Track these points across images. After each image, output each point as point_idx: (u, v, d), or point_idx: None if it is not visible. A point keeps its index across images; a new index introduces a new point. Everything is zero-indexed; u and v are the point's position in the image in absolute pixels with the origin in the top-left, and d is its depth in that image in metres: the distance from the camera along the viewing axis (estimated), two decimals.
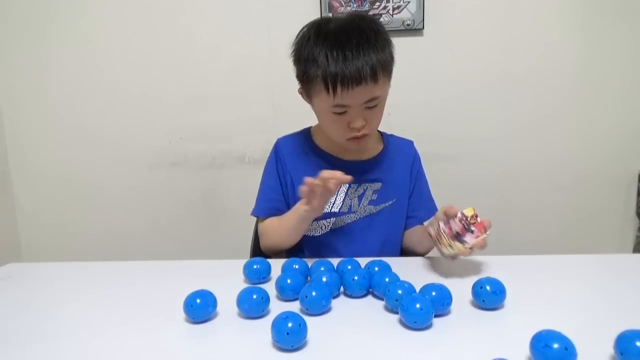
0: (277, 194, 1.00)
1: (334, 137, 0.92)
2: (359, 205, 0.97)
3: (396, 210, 1.01)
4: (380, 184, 0.98)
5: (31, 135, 1.72)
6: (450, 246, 0.76)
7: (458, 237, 0.76)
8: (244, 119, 1.67)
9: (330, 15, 1.56)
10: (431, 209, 1.05)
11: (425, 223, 0.90)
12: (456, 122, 1.64)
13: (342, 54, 0.80)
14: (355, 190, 0.97)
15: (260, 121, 1.66)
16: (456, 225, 0.76)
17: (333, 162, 0.97)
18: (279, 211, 0.98)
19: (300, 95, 0.94)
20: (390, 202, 0.99)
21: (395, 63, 0.88)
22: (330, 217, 0.97)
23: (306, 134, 1.03)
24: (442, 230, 0.77)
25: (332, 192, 0.82)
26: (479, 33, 1.58)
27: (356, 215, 0.97)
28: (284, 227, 0.93)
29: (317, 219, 0.96)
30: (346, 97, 0.82)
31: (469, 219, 0.76)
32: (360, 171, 0.97)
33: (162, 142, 1.70)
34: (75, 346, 0.59)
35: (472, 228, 0.75)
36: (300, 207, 0.86)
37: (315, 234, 0.97)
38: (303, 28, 0.89)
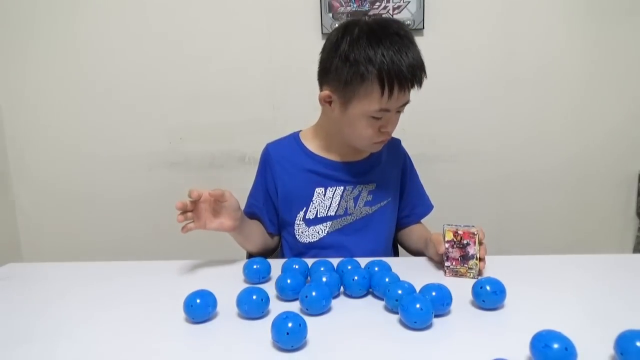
0: (257, 200, 1.01)
1: (361, 141, 0.91)
2: (354, 207, 0.97)
3: (390, 210, 1.01)
4: (375, 184, 0.98)
5: (31, 135, 1.72)
6: (470, 269, 0.77)
7: (465, 258, 0.77)
8: (244, 119, 1.67)
9: (331, 15, 1.56)
10: (427, 205, 1.08)
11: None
12: (456, 122, 1.64)
13: (399, 55, 0.80)
14: (351, 192, 0.97)
15: (260, 121, 1.65)
16: (454, 253, 0.78)
17: (326, 164, 0.97)
18: (254, 215, 1.00)
19: (319, 100, 0.91)
20: (384, 202, 0.99)
21: None
22: (327, 221, 0.96)
23: (296, 138, 1.02)
24: (452, 268, 0.78)
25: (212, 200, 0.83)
26: (479, 33, 1.58)
27: (352, 217, 0.97)
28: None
29: (312, 224, 0.96)
30: (396, 99, 0.83)
31: (455, 239, 0.77)
32: (354, 173, 0.97)
33: (162, 142, 1.70)
34: (75, 346, 0.59)
35: (464, 241, 0.77)
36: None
37: (312, 240, 0.97)
38: (341, 31, 0.85)
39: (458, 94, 1.62)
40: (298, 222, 0.97)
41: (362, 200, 0.97)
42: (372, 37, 0.82)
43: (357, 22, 0.85)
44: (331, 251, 0.95)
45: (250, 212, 1.00)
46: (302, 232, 0.97)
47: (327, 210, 0.96)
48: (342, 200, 0.96)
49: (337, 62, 0.84)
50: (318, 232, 0.97)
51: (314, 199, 0.96)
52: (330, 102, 0.90)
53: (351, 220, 0.97)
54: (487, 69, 1.60)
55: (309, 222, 0.97)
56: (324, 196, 0.96)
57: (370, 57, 0.81)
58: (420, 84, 0.85)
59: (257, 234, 0.97)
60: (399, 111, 0.88)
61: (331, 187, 0.96)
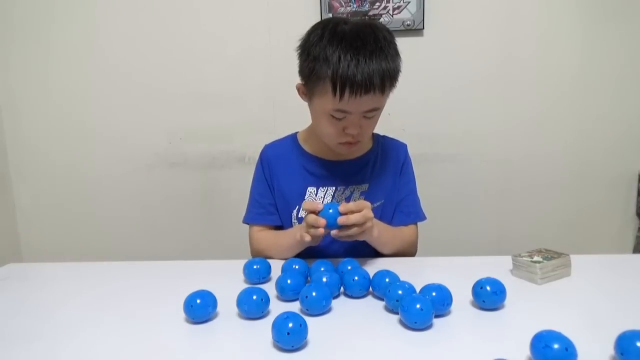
0: (267, 199, 1.00)
1: (326, 139, 0.92)
2: None
3: (384, 212, 1.00)
4: (367, 185, 0.98)
5: (31, 135, 1.72)
6: None
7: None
8: (244, 119, 1.67)
9: (331, 15, 1.56)
10: (413, 215, 1.02)
11: None
12: (456, 122, 1.64)
13: (356, 59, 0.79)
14: (343, 193, 0.97)
15: (260, 121, 1.65)
16: None
17: (319, 164, 0.98)
18: (271, 216, 0.99)
19: (297, 91, 0.93)
20: (378, 204, 0.98)
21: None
22: None
23: (293, 138, 1.03)
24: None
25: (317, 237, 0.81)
26: (479, 33, 1.58)
27: None
28: (278, 246, 0.93)
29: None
30: (351, 104, 0.82)
31: None
32: (346, 173, 0.97)
33: (162, 142, 1.70)
34: (75, 346, 0.59)
35: None
36: (297, 234, 0.85)
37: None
38: (315, 26, 0.87)
39: (458, 94, 1.62)
40: (293, 221, 0.98)
41: (353, 201, 0.96)
42: (337, 38, 0.81)
43: (336, 21, 0.85)
44: (320, 253, 0.93)
45: (266, 213, 0.99)
46: None
47: None
48: (333, 200, 0.97)
49: (302, 54, 0.87)
50: None
51: (306, 197, 0.97)
52: (304, 94, 0.92)
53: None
54: (487, 69, 1.60)
55: (302, 221, 0.96)
56: (316, 195, 0.97)
57: (327, 56, 0.81)
58: (382, 90, 0.83)
59: None
60: (366, 116, 0.86)
61: (323, 186, 0.97)
